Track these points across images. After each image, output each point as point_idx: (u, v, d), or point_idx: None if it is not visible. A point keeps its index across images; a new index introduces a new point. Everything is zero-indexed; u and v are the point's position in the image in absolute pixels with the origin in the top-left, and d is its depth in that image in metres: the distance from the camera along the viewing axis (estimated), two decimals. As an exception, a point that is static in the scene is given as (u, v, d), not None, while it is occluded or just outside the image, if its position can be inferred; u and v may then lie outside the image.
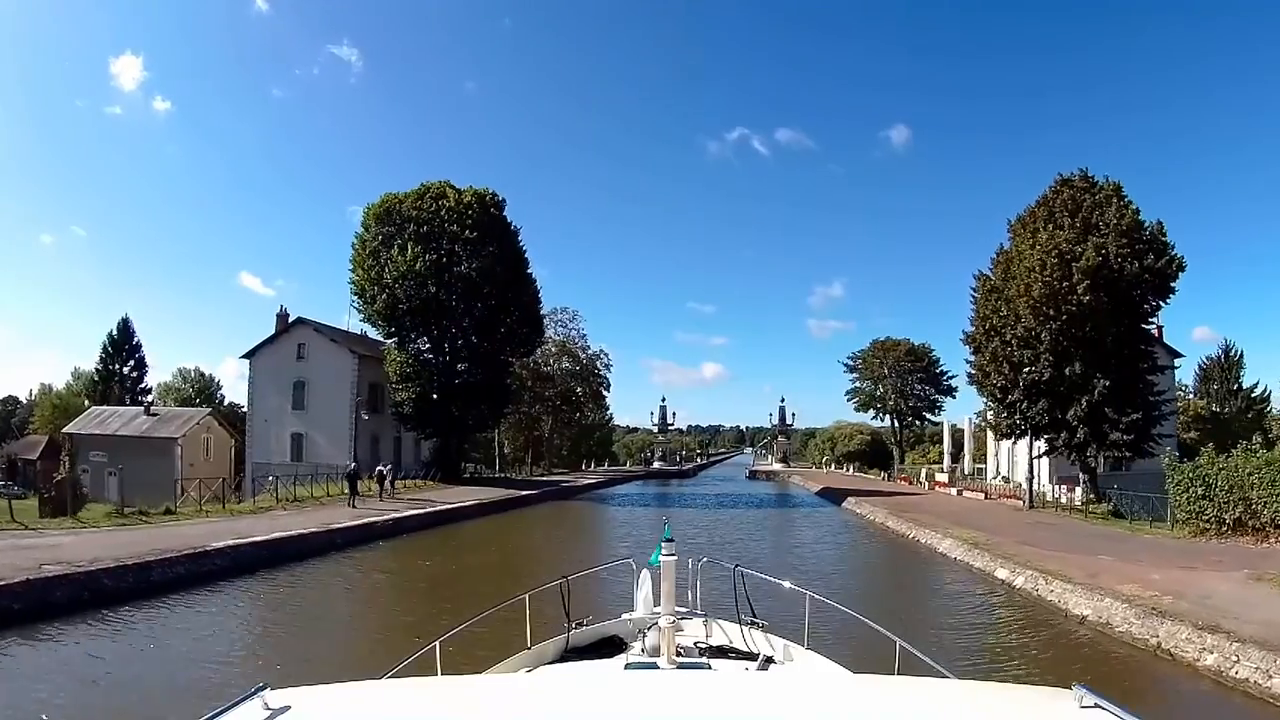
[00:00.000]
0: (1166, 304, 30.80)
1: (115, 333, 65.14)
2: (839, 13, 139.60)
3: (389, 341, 41.76)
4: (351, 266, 40.80)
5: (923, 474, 46.85)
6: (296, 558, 17.78)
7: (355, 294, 40.46)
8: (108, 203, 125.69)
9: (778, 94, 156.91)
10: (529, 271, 43.76)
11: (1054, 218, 30.06)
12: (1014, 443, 42.81)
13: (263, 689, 1.87)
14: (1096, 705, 1.73)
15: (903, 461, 61.73)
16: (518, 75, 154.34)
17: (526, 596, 4.21)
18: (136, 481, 25.65)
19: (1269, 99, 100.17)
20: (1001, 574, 15.88)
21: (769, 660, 3.72)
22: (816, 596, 4.32)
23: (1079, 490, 27.66)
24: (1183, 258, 29.70)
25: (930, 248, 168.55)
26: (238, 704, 1.81)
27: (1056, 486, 30.06)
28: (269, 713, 1.77)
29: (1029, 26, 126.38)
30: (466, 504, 28.74)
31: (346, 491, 26.95)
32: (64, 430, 50.42)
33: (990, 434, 41.72)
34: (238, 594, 14.22)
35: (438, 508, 26.57)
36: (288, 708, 1.80)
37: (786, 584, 4.62)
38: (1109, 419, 28.65)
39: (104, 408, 53.04)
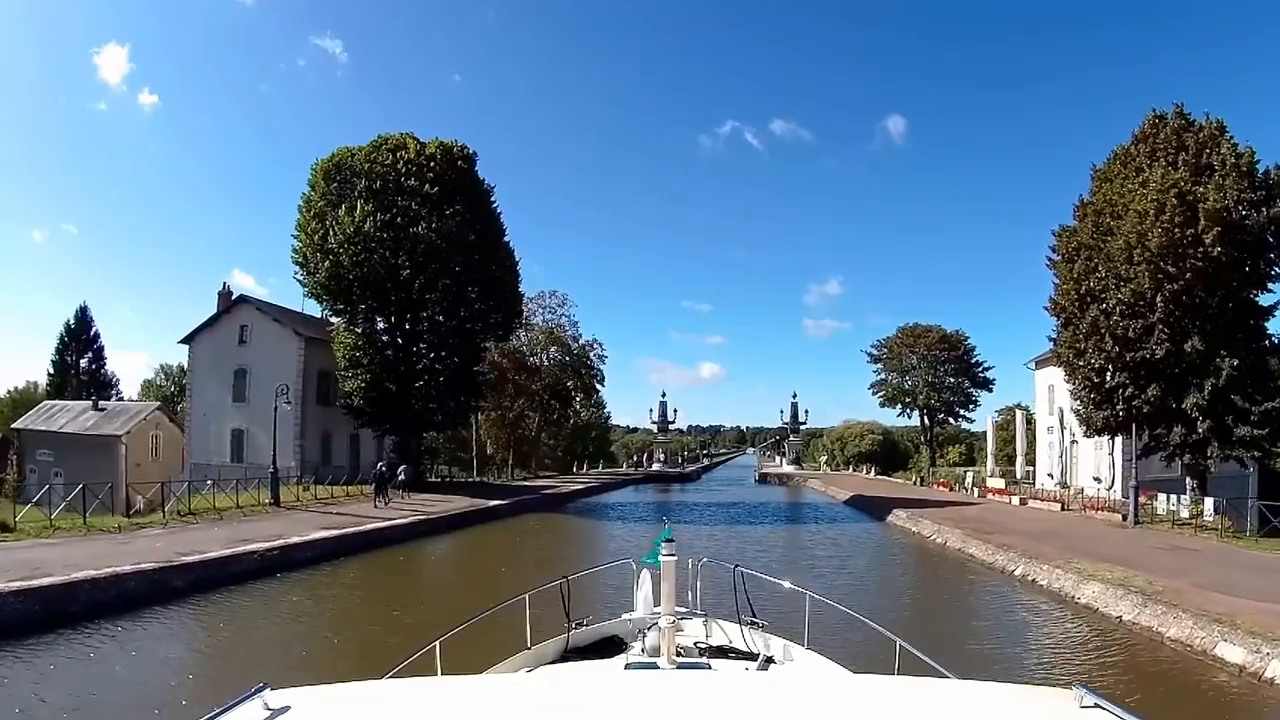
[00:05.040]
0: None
1: (72, 322, 59.59)
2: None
3: (337, 320, 35.21)
4: (295, 232, 34.28)
5: (968, 478, 39.83)
6: (86, 615, 11.26)
7: (297, 264, 33.87)
8: (98, 199, 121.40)
9: (772, 83, 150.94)
10: (506, 240, 37.12)
11: (1157, 155, 23.72)
12: (1073, 442, 36.52)
13: (263, 689, 1.83)
14: (1096, 705, 1.71)
15: (934, 463, 54.70)
16: (502, 69, 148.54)
17: (527, 596, 4.12)
18: (82, 483, 20.09)
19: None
20: (1235, 657, 9.30)
21: (769, 660, 3.71)
22: (817, 596, 4.27)
23: (1209, 501, 21.15)
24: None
25: (929, 244, 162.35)
26: (238, 704, 1.78)
27: (1172, 496, 23.52)
28: (269, 713, 1.75)
29: (1026, 12, 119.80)
30: (407, 520, 22.21)
31: (375, 492, 26.83)
32: (13, 426, 44.26)
33: (1064, 430, 35.24)
34: None
35: (363, 527, 20.04)
36: (288, 708, 1.78)
37: (786, 584, 4.54)
38: (1237, 409, 22.27)
39: (55, 402, 46.82)
